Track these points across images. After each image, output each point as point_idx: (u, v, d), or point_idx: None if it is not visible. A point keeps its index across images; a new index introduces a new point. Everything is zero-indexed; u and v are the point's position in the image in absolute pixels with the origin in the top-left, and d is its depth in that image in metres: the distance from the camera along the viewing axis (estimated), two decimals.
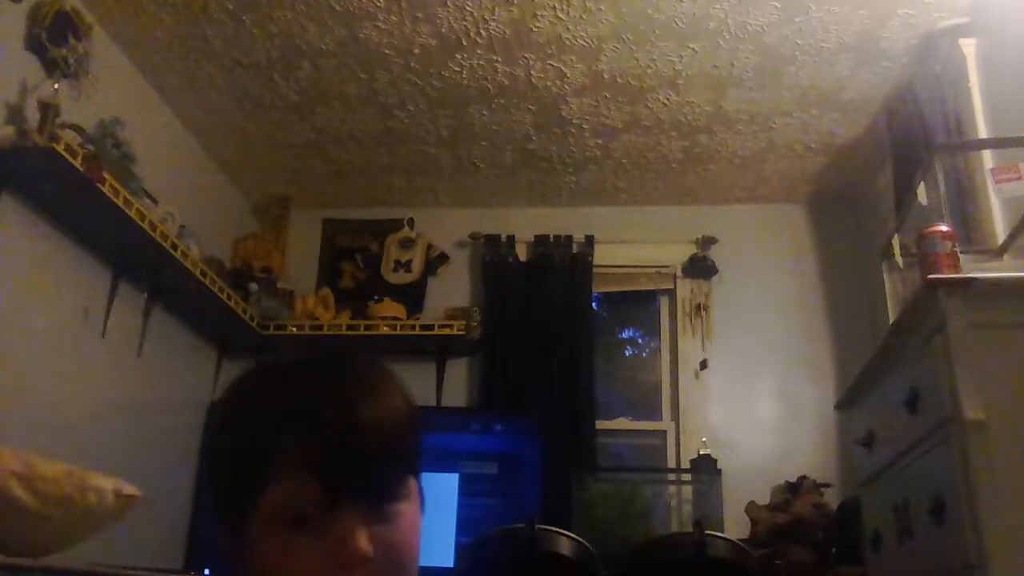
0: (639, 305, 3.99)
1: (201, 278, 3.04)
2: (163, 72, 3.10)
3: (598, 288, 3.83)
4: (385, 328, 3.60)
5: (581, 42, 2.88)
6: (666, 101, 3.19)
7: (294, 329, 3.60)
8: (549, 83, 3.11)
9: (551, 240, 3.83)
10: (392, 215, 3.98)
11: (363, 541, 0.70)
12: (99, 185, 2.42)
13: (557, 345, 3.62)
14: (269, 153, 3.64)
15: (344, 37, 2.89)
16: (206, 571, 2.87)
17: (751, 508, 3.06)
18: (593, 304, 3.81)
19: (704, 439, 3.45)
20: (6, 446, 1.73)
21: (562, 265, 3.78)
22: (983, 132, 2.52)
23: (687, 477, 3.46)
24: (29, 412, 2.50)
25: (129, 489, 1.86)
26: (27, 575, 1.71)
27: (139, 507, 1.90)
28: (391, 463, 0.75)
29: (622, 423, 3.80)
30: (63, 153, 2.29)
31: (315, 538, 0.70)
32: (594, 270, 3.79)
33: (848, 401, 2.31)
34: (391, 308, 3.68)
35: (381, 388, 0.79)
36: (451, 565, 3.03)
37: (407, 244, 3.93)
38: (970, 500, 1.49)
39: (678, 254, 3.85)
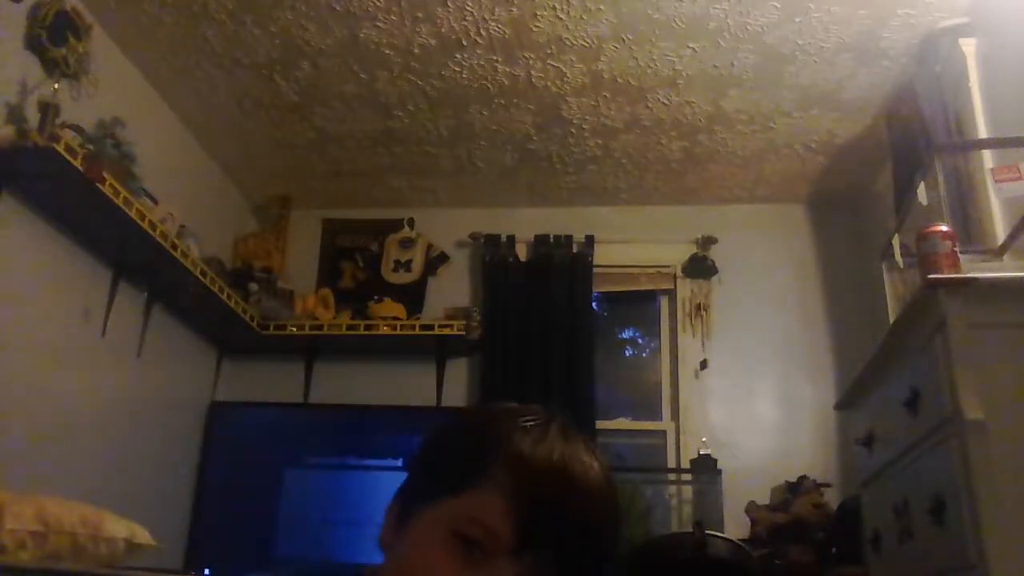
0: (639, 305, 3.99)
1: (201, 278, 3.04)
2: (163, 72, 3.10)
3: (598, 288, 3.83)
4: (385, 328, 3.60)
5: (581, 42, 2.88)
6: (666, 101, 3.19)
7: (294, 329, 3.60)
8: (549, 83, 3.11)
9: (551, 240, 3.83)
10: (392, 215, 3.98)
11: None
12: (99, 185, 2.43)
13: (557, 345, 3.62)
14: (269, 153, 3.64)
15: (344, 37, 2.89)
16: (206, 571, 2.87)
17: (751, 508, 3.05)
18: (593, 304, 3.80)
19: (704, 439, 3.45)
20: (25, 501, 1.75)
21: (562, 265, 3.78)
22: (983, 132, 2.52)
23: (687, 477, 3.46)
24: (29, 412, 2.50)
25: (141, 538, 1.90)
26: (27, 575, 1.72)
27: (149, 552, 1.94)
28: (587, 559, 0.72)
29: (622, 423, 3.80)
30: (63, 153, 2.30)
31: (476, 570, 0.68)
32: (594, 270, 3.79)
33: (848, 401, 2.31)
34: (391, 308, 3.68)
35: (612, 500, 0.77)
36: None
37: (407, 244, 3.93)
38: (970, 500, 1.49)
39: (678, 254, 3.85)
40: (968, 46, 2.62)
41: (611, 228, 3.87)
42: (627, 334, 4.15)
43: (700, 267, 3.79)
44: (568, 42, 2.88)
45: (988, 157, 2.39)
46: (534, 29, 2.82)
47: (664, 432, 3.69)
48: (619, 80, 3.07)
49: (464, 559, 0.68)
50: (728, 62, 2.96)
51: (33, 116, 2.38)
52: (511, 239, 3.86)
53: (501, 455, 0.72)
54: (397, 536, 0.74)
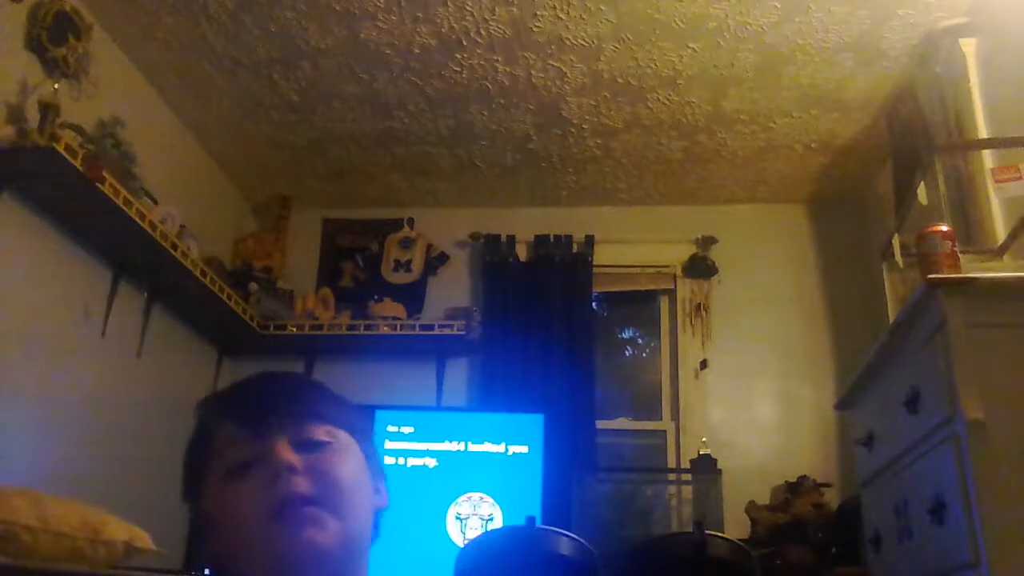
0: (639, 305, 3.99)
1: (201, 278, 3.04)
2: (163, 72, 3.10)
3: (598, 288, 3.83)
4: (385, 328, 3.60)
5: (581, 42, 2.88)
6: (666, 101, 3.19)
7: (294, 329, 3.60)
8: (549, 83, 3.11)
9: (551, 240, 3.83)
10: (392, 215, 3.98)
11: (288, 454, 0.83)
12: (99, 185, 2.43)
13: (557, 345, 3.62)
14: (269, 153, 3.64)
15: (344, 37, 2.89)
16: (206, 571, 2.87)
17: (751, 508, 3.05)
18: (593, 304, 3.81)
19: (704, 439, 3.45)
20: (24, 495, 1.74)
21: (562, 265, 3.78)
22: (983, 132, 2.52)
23: (687, 477, 3.46)
24: (29, 412, 2.50)
25: (142, 543, 1.89)
26: (27, 575, 1.71)
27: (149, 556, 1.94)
28: (301, 402, 0.89)
29: (622, 423, 3.80)
30: (63, 153, 2.30)
31: (254, 472, 0.83)
32: (594, 270, 3.79)
33: (848, 401, 2.31)
34: (391, 308, 3.68)
35: (290, 374, 0.98)
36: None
37: (407, 244, 3.93)
38: (970, 500, 1.49)
39: (678, 254, 3.85)
40: (968, 46, 2.62)
41: (611, 228, 3.87)
42: (627, 334, 4.15)
43: (700, 267, 3.79)
44: (568, 42, 2.88)
45: (988, 157, 2.39)
46: (534, 29, 2.82)
47: (664, 432, 3.69)
48: (619, 80, 3.07)
49: (249, 475, 0.83)
50: (728, 62, 2.96)
51: (33, 116, 2.38)
52: (511, 239, 3.86)
53: (208, 412, 0.93)
54: (210, 536, 0.88)
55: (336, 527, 0.82)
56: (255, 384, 0.92)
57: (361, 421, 0.94)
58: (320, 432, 0.87)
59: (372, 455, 0.92)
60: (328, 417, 0.89)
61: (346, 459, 0.87)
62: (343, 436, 0.89)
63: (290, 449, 0.83)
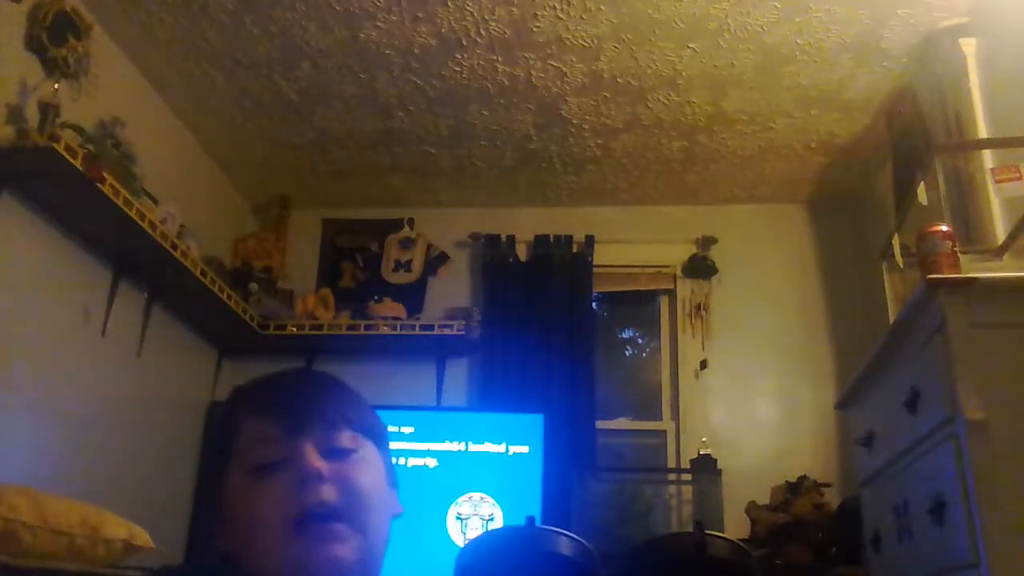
0: (639, 305, 3.99)
1: (201, 278, 3.04)
2: (163, 72, 3.10)
3: (598, 288, 3.83)
4: (385, 328, 3.60)
5: (581, 42, 2.88)
6: (666, 101, 3.19)
7: (294, 329, 3.60)
8: (549, 83, 3.11)
9: (551, 240, 3.83)
10: (392, 215, 3.98)
11: (316, 460, 0.83)
12: (99, 185, 2.43)
13: (557, 345, 3.62)
14: (269, 153, 3.64)
15: (344, 37, 2.89)
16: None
17: (751, 508, 3.05)
18: (593, 304, 3.81)
19: (704, 439, 3.45)
20: (24, 493, 1.75)
21: (562, 265, 3.78)
22: (983, 132, 2.52)
23: (687, 477, 3.46)
24: (29, 412, 2.50)
25: (140, 540, 1.90)
26: (27, 575, 1.71)
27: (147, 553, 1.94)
28: (333, 406, 0.88)
29: (622, 423, 3.80)
30: (63, 153, 2.29)
31: (280, 474, 0.82)
32: (594, 270, 3.79)
33: (848, 401, 2.31)
34: (391, 308, 3.68)
35: (323, 373, 0.96)
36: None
37: (407, 244, 3.93)
38: (970, 500, 1.49)
39: (678, 254, 3.85)
40: (968, 46, 2.62)
41: (611, 228, 3.87)
42: (627, 334, 4.15)
43: (700, 267, 3.79)
44: (568, 42, 2.88)
45: (988, 157, 2.39)
46: (534, 29, 2.82)
47: (664, 432, 3.69)
48: (619, 80, 3.07)
49: (273, 475, 0.83)
50: (728, 62, 2.96)
51: (33, 116, 2.38)
52: (511, 239, 3.86)
53: (240, 402, 0.90)
54: (226, 531, 0.85)
55: (358, 542, 0.82)
56: (290, 380, 0.92)
57: (380, 426, 0.93)
58: (346, 439, 0.87)
59: (390, 462, 0.93)
60: (355, 423, 0.89)
61: (369, 468, 0.87)
62: (367, 444, 0.89)
63: (317, 454, 0.83)
